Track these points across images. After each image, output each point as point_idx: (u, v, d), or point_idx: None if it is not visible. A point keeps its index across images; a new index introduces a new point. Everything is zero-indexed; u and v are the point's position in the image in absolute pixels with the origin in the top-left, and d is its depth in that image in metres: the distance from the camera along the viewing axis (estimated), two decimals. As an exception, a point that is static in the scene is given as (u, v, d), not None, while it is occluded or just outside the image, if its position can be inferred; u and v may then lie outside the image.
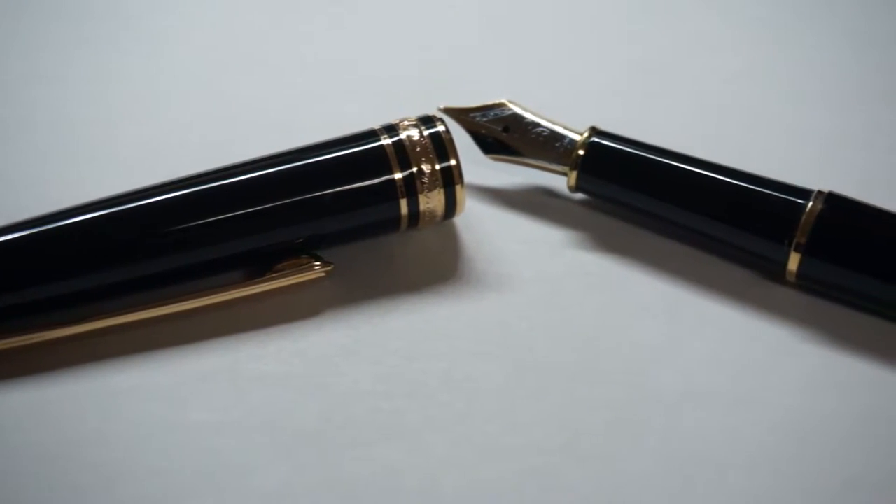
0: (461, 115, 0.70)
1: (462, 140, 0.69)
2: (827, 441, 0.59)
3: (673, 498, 0.58)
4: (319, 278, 0.65)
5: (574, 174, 0.68)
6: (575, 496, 0.58)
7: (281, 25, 0.82)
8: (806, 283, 0.64)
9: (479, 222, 0.69)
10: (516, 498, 0.58)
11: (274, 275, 0.64)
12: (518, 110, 0.70)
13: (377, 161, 0.64)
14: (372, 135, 0.65)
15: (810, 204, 0.63)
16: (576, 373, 0.62)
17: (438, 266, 0.67)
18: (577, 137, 0.68)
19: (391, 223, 0.65)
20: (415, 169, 0.65)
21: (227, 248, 0.63)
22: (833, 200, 0.64)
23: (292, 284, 0.64)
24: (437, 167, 0.65)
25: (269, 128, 0.74)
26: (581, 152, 0.67)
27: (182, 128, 0.74)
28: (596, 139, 0.68)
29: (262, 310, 0.64)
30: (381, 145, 0.65)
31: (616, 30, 0.82)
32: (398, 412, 0.60)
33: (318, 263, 0.65)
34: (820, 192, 0.64)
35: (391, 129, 0.65)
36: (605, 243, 0.68)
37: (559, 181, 0.69)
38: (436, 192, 0.65)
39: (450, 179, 0.65)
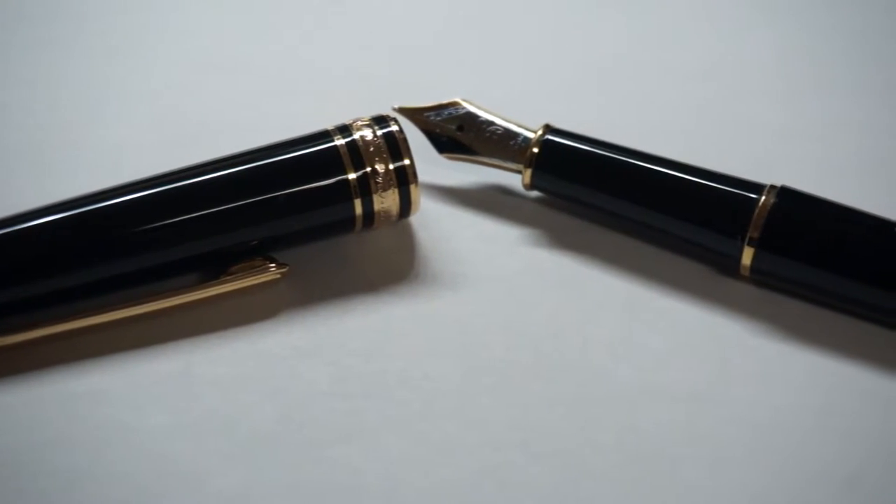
0: (415, 114, 0.70)
1: (417, 139, 0.69)
2: (782, 434, 0.60)
3: (630, 493, 0.58)
4: (275, 280, 0.65)
5: (529, 172, 0.68)
6: (533, 493, 0.58)
7: (240, 27, 0.82)
8: (760, 277, 0.64)
9: (434, 221, 0.69)
10: (475, 496, 0.58)
11: (229, 277, 0.64)
12: (472, 109, 0.70)
13: (331, 162, 0.64)
14: (325, 135, 0.65)
15: (763, 198, 0.64)
16: (532, 370, 0.62)
17: (394, 266, 0.67)
18: (531, 135, 0.68)
19: (346, 224, 0.65)
20: (368, 169, 0.64)
21: (182, 250, 0.63)
22: (785, 194, 0.64)
23: (247, 286, 0.64)
24: (391, 167, 0.65)
25: (230, 129, 0.74)
26: (535, 150, 0.68)
27: (145, 130, 0.74)
28: (550, 137, 0.68)
29: (217, 312, 0.64)
30: (335, 146, 0.65)
31: (572, 27, 0.82)
32: (355, 412, 0.60)
33: (273, 265, 0.65)
34: (772, 187, 0.64)
35: (344, 130, 0.65)
36: (561, 241, 0.68)
37: (514, 179, 0.69)
38: (390, 191, 0.65)
39: (404, 179, 0.65)
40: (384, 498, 0.58)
